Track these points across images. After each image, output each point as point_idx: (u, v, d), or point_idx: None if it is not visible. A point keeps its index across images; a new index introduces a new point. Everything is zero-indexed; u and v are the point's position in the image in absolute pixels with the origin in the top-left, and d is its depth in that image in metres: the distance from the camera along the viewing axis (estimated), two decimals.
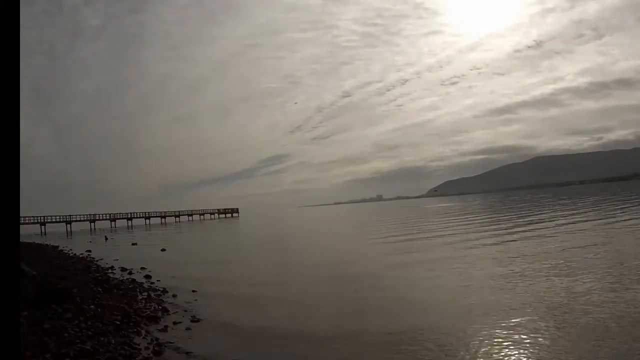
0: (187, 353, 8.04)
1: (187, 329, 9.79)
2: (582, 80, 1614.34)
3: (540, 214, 42.81)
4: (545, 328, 8.05)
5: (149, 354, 7.87)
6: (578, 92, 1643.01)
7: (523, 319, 8.71)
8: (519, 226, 30.54)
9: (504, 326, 8.33)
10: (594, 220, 30.47)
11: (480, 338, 7.77)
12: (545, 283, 11.82)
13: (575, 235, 22.00)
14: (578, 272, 12.87)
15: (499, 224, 34.09)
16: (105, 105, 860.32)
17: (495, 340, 7.62)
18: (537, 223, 31.82)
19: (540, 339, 7.49)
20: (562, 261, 14.87)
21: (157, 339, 8.77)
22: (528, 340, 7.47)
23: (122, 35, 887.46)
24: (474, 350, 7.26)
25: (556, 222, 31.59)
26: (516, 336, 7.72)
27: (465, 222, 39.49)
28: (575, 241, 19.70)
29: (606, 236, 20.88)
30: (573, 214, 37.57)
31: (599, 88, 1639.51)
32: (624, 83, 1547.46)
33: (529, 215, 41.52)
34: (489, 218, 44.37)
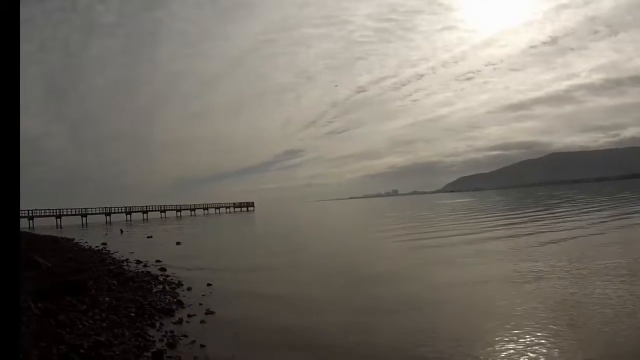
0: (201, 346, 7.94)
1: (202, 321, 9.70)
2: (597, 77, 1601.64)
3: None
4: None
5: (163, 346, 7.81)
6: (592, 89, 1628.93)
7: None
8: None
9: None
10: None
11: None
12: None
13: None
14: None
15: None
16: (120, 101, 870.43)
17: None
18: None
19: None
20: None
21: (171, 332, 8.71)
22: None
23: (137, 32, 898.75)
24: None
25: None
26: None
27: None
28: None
29: None
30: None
31: (613, 85, 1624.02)
32: (638, 80, 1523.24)
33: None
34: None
